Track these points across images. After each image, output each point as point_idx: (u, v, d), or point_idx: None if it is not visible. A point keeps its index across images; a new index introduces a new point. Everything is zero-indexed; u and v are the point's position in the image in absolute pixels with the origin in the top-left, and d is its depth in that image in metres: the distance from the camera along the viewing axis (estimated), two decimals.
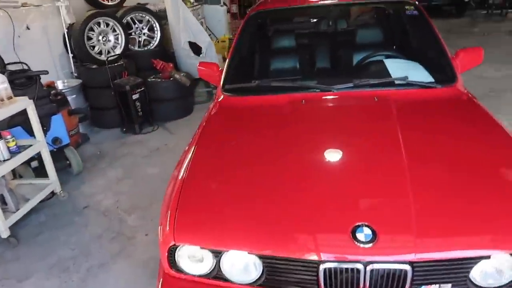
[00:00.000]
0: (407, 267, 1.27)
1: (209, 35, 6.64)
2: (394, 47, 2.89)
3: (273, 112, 2.16)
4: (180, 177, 1.72)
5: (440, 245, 1.30)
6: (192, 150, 1.90)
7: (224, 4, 8.56)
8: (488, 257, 1.29)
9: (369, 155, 1.70)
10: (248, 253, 1.38)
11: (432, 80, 2.29)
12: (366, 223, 1.34)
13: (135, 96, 4.49)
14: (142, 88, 4.59)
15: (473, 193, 1.45)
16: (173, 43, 5.43)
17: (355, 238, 1.31)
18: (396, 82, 2.27)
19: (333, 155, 1.71)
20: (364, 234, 1.32)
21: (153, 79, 4.89)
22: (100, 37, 4.67)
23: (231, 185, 1.62)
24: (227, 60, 2.66)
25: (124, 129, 4.67)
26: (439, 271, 1.30)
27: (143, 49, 5.30)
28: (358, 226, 1.34)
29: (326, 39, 2.93)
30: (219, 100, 2.43)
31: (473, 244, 1.31)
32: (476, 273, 1.32)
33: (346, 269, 1.30)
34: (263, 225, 1.41)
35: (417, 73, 2.36)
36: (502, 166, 1.60)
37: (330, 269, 1.31)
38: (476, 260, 1.30)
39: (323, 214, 1.40)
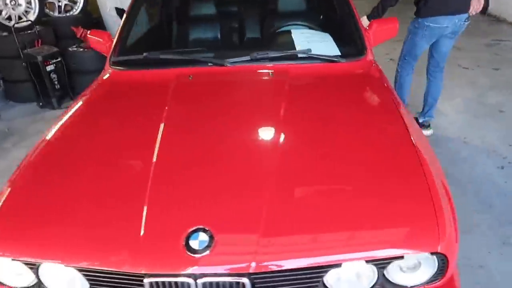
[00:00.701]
0: (244, 280, 1.08)
1: None
2: (303, 17, 2.64)
3: (153, 90, 1.89)
4: (18, 169, 1.45)
5: (284, 252, 1.11)
6: (46, 136, 1.62)
7: None
8: (339, 265, 1.11)
9: (237, 143, 1.47)
10: (65, 265, 1.15)
11: (338, 53, 2.07)
12: (204, 227, 1.13)
13: (49, 68, 4.06)
14: (58, 59, 4.16)
15: (340, 189, 1.26)
16: (99, 9, 4.96)
17: (187, 246, 1.10)
18: (299, 55, 2.04)
19: (194, 145, 1.47)
20: (198, 241, 1.11)
21: (75, 49, 4.45)
22: (8, 1, 4.16)
23: (68, 183, 1.35)
24: (118, 30, 2.34)
25: (41, 104, 4.26)
26: (284, 283, 1.12)
27: (63, 15, 4.81)
28: (195, 231, 1.13)
29: (227, 7, 2.63)
30: (103, 75, 2.13)
31: (322, 250, 1.12)
32: (331, 280, 1.15)
33: (176, 283, 1.09)
34: (84, 233, 1.17)
35: (324, 46, 2.14)
36: (384, 159, 1.38)
37: (157, 283, 1.10)
38: (326, 268, 1.12)
39: (155, 217, 1.18)
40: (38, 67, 4.00)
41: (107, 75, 2.10)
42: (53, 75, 4.12)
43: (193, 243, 1.10)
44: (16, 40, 4.04)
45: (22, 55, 4.04)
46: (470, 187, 2.61)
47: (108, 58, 2.19)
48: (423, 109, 3.26)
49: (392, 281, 1.18)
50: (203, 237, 1.11)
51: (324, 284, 1.15)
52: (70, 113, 1.77)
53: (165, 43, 2.44)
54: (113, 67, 2.13)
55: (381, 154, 1.40)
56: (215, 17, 2.48)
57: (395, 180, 1.28)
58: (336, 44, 2.15)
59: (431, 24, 2.82)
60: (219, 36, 2.35)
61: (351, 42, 2.19)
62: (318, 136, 1.49)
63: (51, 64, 4.08)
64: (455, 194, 2.61)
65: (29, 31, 4.23)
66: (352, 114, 1.64)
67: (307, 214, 1.16)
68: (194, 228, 1.13)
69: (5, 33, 4.19)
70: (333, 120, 1.59)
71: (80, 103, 1.87)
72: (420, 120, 3.24)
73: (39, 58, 3.97)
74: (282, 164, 1.33)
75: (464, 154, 3.00)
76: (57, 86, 4.19)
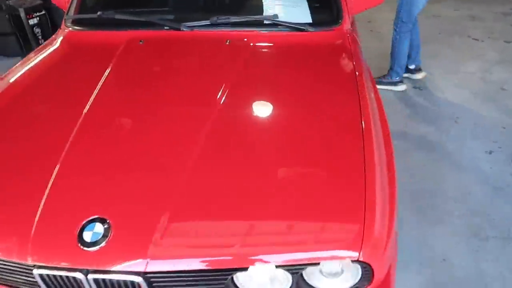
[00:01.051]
0: (138, 279, 0.98)
1: None
2: None
3: (100, 54, 1.75)
4: None
5: (184, 250, 1.01)
6: None
7: None
8: (246, 269, 1.00)
9: (167, 120, 1.34)
10: None
11: (309, 21, 1.87)
12: (102, 217, 1.03)
13: (32, 21, 3.93)
14: (43, 12, 4.01)
15: (262, 181, 1.12)
16: None
17: (80, 237, 1.00)
18: (265, 21, 1.86)
19: (121, 119, 1.35)
20: (92, 232, 1.01)
21: None
22: None
23: None
24: None
25: None
26: (186, 283, 1.02)
27: None
28: (92, 220, 1.03)
29: None
30: (56, 35, 1.99)
31: (225, 250, 1.01)
32: (241, 279, 1.04)
33: (67, 277, 1.01)
34: None
35: (297, 12, 1.94)
36: (323, 148, 1.22)
37: (48, 275, 1.01)
38: (231, 271, 1.01)
39: (55, 201, 1.07)
40: (21, 20, 3.87)
41: (60, 35, 1.96)
42: (37, 29, 3.98)
43: (86, 235, 1.00)
44: None
45: (4, 7, 3.89)
46: (453, 171, 2.45)
47: (64, 17, 2.05)
48: (410, 56, 3.36)
49: (312, 285, 1.07)
50: (98, 228, 1.01)
51: (234, 283, 1.05)
52: (9, 75, 1.67)
53: (125, 2, 2.26)
54: (67, 26, 1.98)
55: (322, 141, 1.25)
56: None
57: (329, 174, 1.14)
58: (310, 11, 1.95)
59: None
60: None
61: (325, 9, 1.98)
62: (260, 116, 1.35)
63: (34, 17, 3.94)
64: (436, 177, 2.47)
65: None
66: (305, 92, 1.47)
67: (218, 209, 1.05)
68: (91, 217, 1.03)
69: None
70: (281, 99, 1.43)
71: (24, 64, 1.76)
72: (410, 67, 3.43)
73: (21, 11, 3.82)
74: (209, 148, 1.20)
75: (453, 133, 2.81)
76: (41, 41, 4.05)
